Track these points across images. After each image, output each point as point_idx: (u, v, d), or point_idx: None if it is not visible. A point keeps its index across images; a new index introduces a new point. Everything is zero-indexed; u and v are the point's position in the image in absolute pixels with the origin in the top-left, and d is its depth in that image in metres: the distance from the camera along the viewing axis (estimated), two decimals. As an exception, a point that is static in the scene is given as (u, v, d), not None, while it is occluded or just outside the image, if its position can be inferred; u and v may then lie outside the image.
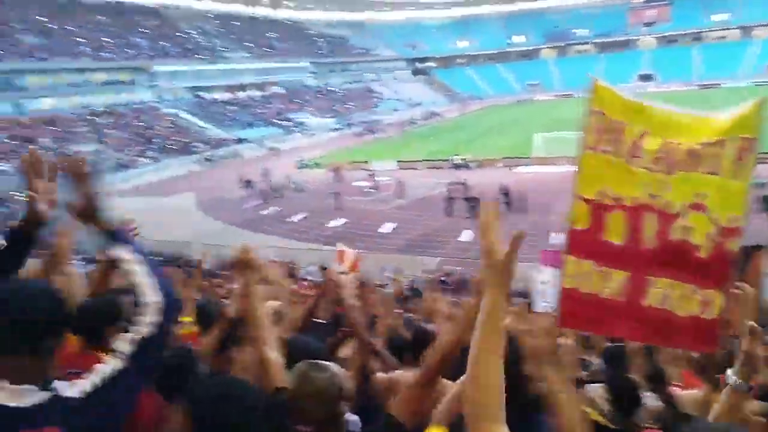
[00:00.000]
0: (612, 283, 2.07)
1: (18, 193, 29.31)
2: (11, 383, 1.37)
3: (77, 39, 53.26)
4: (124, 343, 1.49)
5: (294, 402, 1.71)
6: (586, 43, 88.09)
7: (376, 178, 30.20)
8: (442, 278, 14.96)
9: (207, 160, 43.73)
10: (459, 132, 50.14)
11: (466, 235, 20.70)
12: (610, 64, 76.68)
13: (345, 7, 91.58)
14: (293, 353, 2.19)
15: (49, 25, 52.90)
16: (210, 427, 1.41)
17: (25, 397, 1.37)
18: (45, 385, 1.40)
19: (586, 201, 2.07)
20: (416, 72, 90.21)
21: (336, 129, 59.00)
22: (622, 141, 2.04)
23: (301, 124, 59.12)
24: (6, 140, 37.32)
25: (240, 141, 50.16)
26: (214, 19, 73.65)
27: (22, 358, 1.39)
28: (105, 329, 2.31)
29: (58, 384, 1.42)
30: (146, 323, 1.50)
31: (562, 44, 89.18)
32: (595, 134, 2.06)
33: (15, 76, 44.57)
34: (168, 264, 9.53)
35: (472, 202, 23.36)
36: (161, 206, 29.11)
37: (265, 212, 27.05)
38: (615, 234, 2.06)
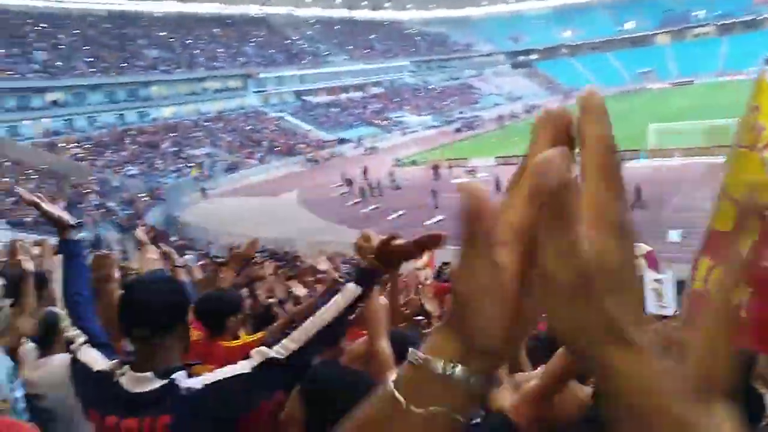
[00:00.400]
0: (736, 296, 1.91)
1: (141, 195, 32.15)
2: (134, 370, 1.47)
3: (194, 51, 57.43)
4: (259, 354, 1.49)
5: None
6: (706, 25, 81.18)
7: (476, 175, 29.82)
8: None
9: (310, 160, 45.41)
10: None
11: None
12: (733, 48, 70.01)
13: (444, 4, 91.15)
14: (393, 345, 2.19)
15: (170, 40, 57.50)
16: (322, 412, 1.48)
17: (143, 383, 1.45)
18: (163, 374, 1.46)
19: (736, 201, 1.91)
20: (516, 65, 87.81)
21: (434, 126, 58.93)
22: (757, 146, 1.87)
23: (400, 122, 59.70)
24: (132, 146, 41.07)
25: (341, 141, 51.58)
26: (315, 23, 76.27)
27: (144, 342, 1.49)
28: (227, 320, 2.48)
29: (178, 374, 1.46)
30: (287, 348, 1.48)
31: (678, 28, 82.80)
32: (750, 132, 1.90)
33: (140, 88, 48.91)
34: (272, 258, 10.05)
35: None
36: (267, 205, 30.63)
37: (364, 210, 27.61)
38: (744, 243, 1.89)
